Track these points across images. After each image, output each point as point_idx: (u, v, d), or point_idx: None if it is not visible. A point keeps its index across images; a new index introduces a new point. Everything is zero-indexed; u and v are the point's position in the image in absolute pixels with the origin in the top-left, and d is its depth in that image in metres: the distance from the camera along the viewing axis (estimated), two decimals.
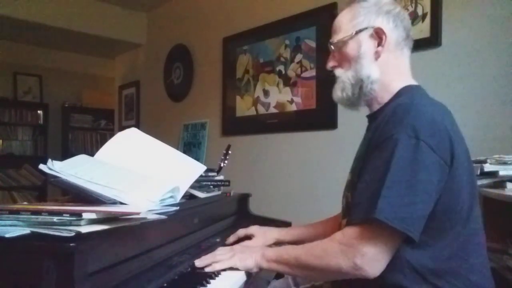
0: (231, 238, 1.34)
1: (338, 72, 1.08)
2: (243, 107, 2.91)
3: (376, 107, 1.07)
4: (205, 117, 3.27)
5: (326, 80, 2.35)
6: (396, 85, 1.03)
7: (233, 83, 2.99)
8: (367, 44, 1.03)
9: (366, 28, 1.03)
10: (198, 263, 1.02)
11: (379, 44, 1.02)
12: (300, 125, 2.52)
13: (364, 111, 1.13)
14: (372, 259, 0.83)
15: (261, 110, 2.78)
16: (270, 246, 1.32)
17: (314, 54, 2.44)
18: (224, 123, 3.08)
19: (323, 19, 2.38)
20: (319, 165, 2.40)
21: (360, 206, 0.87)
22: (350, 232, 0.87)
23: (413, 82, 1.06)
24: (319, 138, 2.41)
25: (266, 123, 2.73)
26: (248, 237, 1.33)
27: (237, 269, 1.02)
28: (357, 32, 1.03)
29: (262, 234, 1.34)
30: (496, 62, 1.71)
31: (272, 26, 2.70)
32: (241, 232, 1.35)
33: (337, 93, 1.08)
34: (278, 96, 2.66)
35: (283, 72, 2.62)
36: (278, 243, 1.35)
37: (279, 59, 2.66)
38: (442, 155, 0.85)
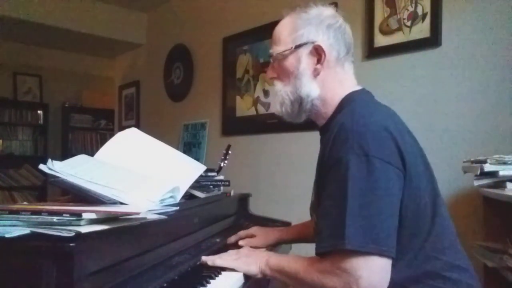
0: (233, 238, 1.34)
1: (277, 85, 1.07)
2: (243, 107, 2.91)
3: (322, 121, 1.06)
4: (205, 117, 3.27)
5: None
6: (338, 98, 1.02)
7: (233, 83, 2.98)
8: (306, 60, 1.01)
9: (305, 44, 1.00)
10: (205, 258, 1.04)
11: (318, 61, 1.00)
12: (300, 125, 2.51)
13: None
14: (369, 283, 0.80)
15: (261, 110, 2.78)
16: (273, 246, 1.32)
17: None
18: (224, 123, 3.08)
19: None
20: None
21: (325, 234, 0.85)
22: (327, 261, 0.84)
23: (355, 88, 1.04)
24: (319, 138, 2.41)
25: (266, 123, 2.73)
26: (250, 237, 1.33)
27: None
28: (297, 47, 1.01)
29: (264, 234, 1.33)
30: (496, 62, 1.71)
31: (272, 26, 2.66)
32: (242, 233, 1.35)
33: (276, 107, 1.07)
34: None
35: None
36: (280, 243, 1.35)
37: None
38: (395, 163, 0.84)
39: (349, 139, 0.85)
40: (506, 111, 1.67)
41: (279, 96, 1.06)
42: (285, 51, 1.03)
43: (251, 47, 2.86)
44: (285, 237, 1.36)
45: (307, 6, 1.05)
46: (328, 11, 1.04)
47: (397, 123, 0.93)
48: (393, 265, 0.83)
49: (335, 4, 2.30)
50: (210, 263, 1.02)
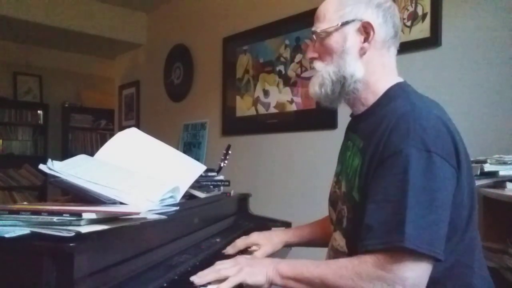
0: (230, 250, 1.17)
1: (318, 65, 0.99)
2: (243, 107, 2.91)
3: (360, 108, 1.00)
4: (205, 117, 3.27)
5: None
6: (381, 86, 0.96)
7: (233, 83, 2.98)
8: (353, 38, 0.94)
9: (353, 21, 0.94)
10: (198, 280, 0.87)
11: (366, 40, 0.94)
12: (300, 125, 2.52)
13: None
14: (414, 285, 0.77)
15: (261, 110, 2.78)
16: (278, 251, 1.22)
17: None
18: (224, 123, 3.08)
19: None
20: (319, 165, 2.40)
21: (378, 229, 0.80)
22: (379, 258, 0.79)
23: (399, 79, 1.00)
24: (319, 138, 2.41)
25: (266, 123, 2.73)
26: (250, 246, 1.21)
27: None
28: (343, 24, 0.94)
29: (268, 241, 1.20)
30: (496, 62, 1.71)
31: (272, 26, 2.70)
32: (241, 243, 1.18)
33: (315, 88, 0.99)
34: (278, 96, 2.66)
35: (283, 72, 2.62)
36: (286, 246, 1.26)
37: (279, 59, 2.66)
38: (453, 163, 0.82)
39: (410, 132, 0.81)
40: (506, 111, 1.67)
41: (318, 77, 0.98)
42: (330, 28, 0.95)
43: (251, 47, 2.86)
44: (291, 240, 1.25)
45: None
46: None
47: (450, 120, 0.90)
48: None
49: None
50: (203, 280, 0.87)
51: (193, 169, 1.27)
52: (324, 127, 2.38)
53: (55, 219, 0.71)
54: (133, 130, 1.26)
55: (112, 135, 1.56)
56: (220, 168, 1.72)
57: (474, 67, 1.77)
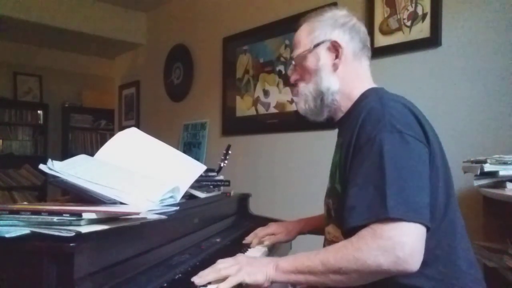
0: (250, 238, 1.33)
1: (301, 86, 1.12)
2: (243, 107, 2.91)
3: (340, 115, 1.10)
4: (205, 117, 3.27)
5: None
6: (357, 92, 1.06)
7: (233, 83, 2.98)
8: (325, 57, 1.07)
9: (323, 42, 1.07)
10: (199, 280, 0.89)
11: (337, 56, 1.06)
12: (300, 125, 2.52)
13: None
14: (413, 249, 0.79)
15: (261, 110, 2.78)
16: (284, 246, 1.35)
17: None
18: (224, 123, 3.08)
19: None
20: (319, 165, 2.40)
21: (361, 209, 0.85)
22: (374, 229, 0.82)
23: (374, 85, 1.09)
24: (319, 138, 2.41)
25: (266, 123, 2.73)
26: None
27: None
28: (315, 46, 1.07)
29: (285, 229, 1.34)
30: (496, 62, 1.71)
31: (272, 26, 2.70)
32: (261, 233, 1.34)
33: (301, 105, 1.12)
34: (278, 96, 2.66)
35: (283, 72, 2.62)
36: (300, 234, 1.38)
37: (279, 59, 2.66)
38: (423, 141, 0.89)
39: (380, 120, 0.89)
40: (506, 111, 1.67)
41: (302, 95, 1.11)
42: (304, 51, 1.09)
43: (251, 47, 2.86)
44: (306, 228, 1.37)
45: (322, 10, 1.12)
46: (341, 12, 1.11)
47: (420, 112, 0.98)
48: None
49: (335, 4, 2.31)
50: (203, 280, 0.89)
51: (193, 169, 1.27)
52: (324, 127, 2.37)
53: (55, 219, 0.71)
54: (133, 130, 1.26)
55: (112, 135, 1.56)
56: (220, 168, 1.72)
57: (474, 67, 1.77)
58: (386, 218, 0.80)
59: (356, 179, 0.89)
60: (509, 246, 1.29)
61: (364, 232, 0.83)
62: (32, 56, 4.83)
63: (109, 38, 3.83)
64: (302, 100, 1.11)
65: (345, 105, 1.08)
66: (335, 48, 1.06)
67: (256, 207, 1.87)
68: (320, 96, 1.07)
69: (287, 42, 2.61)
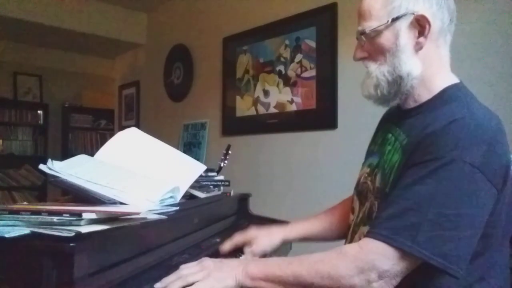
0: (227, 246, 1.12)
1: (370, 66, 0.92)
2: (243, 107, 2.91)
3: (410, 103, 0.93)
4: (205, 117, 3.27)
5: (326, 80, 2.36)
6: (437, 83, 0.89)
7: (233, 83, 2.98)
8: (406, 34, 0.87)
9: (404, 15, 0.86)
10: (160, 285, 0.81)
11: (421, 33, 0.86)
12: (300, 125, 2.52)
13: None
14: (390, 279, 0.76)
15: (261, 110, 2.78)
16: (276, 247, 1.18)
17: (314, 54, 2.44)
18: (224, 123, 3.08)
19: (323, 19, 2.38)
20: (319, 165, 2.40)
21: (389, 223, 0.77)
22: (370, 246, 0.77)
23: (454, 78, 0.93)
24: (319, 138, 2.41)
25: (266, 123, 2.73)
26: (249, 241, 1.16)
27: None
28: (394, 20, 0.86)
29: (267, 235, 1.16)
30: (496, 62, 1.71)
31: (272, 26, 2.70)
32: (238, 238, 1.15)
33: (370, 90, 0.92)
34: (278, 96, 2.66)
35: (283, 72, 2.62)
36: (285, 242, 1.21)
37: (279, 59, 2.66)
38: (497, 183, 0.77)
39: (459, 141, 0.76)
40: (506, 111, 1.67)
41: (373, 78, 0.91)
42: (379, 26, 0.88)
43: (251, 47, 2.86)
44: (290, 235, 1.19)
45: None
46: None
47: (505, 134, 0.83)
48: (443, 276, 0.78)
49: (335, 4, 2.31)
50: None
51: (193, 169, 1.27)
52: (324, 127, 2.38)
53: (55, 219, 0.71)
54: (133, 130, 1.26)
55: (112, 135, 1.56)
56: (220, 168, 1.72)
57: (474, 67, 1.77)
58: (408, 252, 0.74)
59: (402, 191, 0.80)
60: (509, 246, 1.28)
61: (347, 249, 0.80)
62: (32, 56, 4.82)
63: (109, 38, 3.83)
64: (372, 84, 0.91)
65: (420, 94, 0.90)
66: (419, 23, 0.86)
67: (256, 207, 1.87)
68: (398, 81, 0.88)
69: (287, 42, 2.61)
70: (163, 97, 3.74)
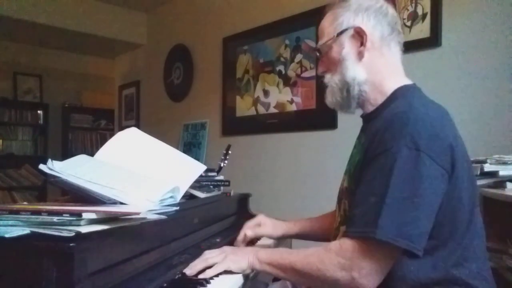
0: (242, 234, 1.27)
1: (327, 77, 1.06)
2: (243, 107, 2.91)
3: (369, 108, 1.04)
4: (205, 117, 3.27)
5: None
6: (389, 85, 1.00)
7: (233, 83, 2.99)
8: (349, 45, 1.00)
9: (346, 29, 1.00)
10: (189, 271, 0.97)
11: (362, 43, 0.99)
12: (300, 125, 2.52)
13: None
14: (370, 273, 0.82)
15: (261, 110, 2.78)
16: (278, 239, 1.35)
17: (314, 54, 2.45)
18: (224, 123, 3.08)
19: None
20: (319, 165, 2.40)
21: (358, 219, 0.85)
22: (347, 245, 0.85)
23: (407, 81, 1.02)
24: (319, 138, 2.41)
25: (266, 123, 2.73)
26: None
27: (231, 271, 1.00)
28: (338, 34, 1.01)
29: (271, 224, 1.30)
30: (496, 62, 1.71)
31: (272, 26, 2.70)
32: (249, 224, 1.29)
33: (328, 98, 1.07)
34: (278, 96, 2.66)
35: (283, 72, 2.63)
36: (286, 236, 1.35)
37: (279, 59, 2.66)
38: (444, 165, 0.84)
39: (402, 130, 0.84)
40: (506, 111, 1.67)
41: (329, 87, 1.05)
42: (328, 40, 1.03)
43: (251, 47, 2.86)
44: (292, 231, 1.32)
45: None
46: None
47: (452, 125, 0.92)
48: (416, 262, 0.84)
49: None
50: (203, 275, 0.95)
51: (193, 169, 1.27)
52: (324, 127, 2.38)
53: (55, 219, 0.71)
54: (133, 130, 1.26)
55: (112, 135, 1.56)
56: (220, 168, 1.72)
57: (473, 67, 1.77)
58: (373, 237, 0.80)
59: (363, 186, 0.88)
60: (509, 246, 1.29)
61: (331, 246, 0.89)
62: (32, 56, 4.82)
63: (109, 38, 3.83)
64: (329, 92, 1.05)
65: (375, 97, 1.01)
66: (359, 35, 0.99)
67: (256, 207, 1.87)
68: (345, 87, 1.01)
69: (287, 42, 2.61)
70: (163, 97, 3.74)
